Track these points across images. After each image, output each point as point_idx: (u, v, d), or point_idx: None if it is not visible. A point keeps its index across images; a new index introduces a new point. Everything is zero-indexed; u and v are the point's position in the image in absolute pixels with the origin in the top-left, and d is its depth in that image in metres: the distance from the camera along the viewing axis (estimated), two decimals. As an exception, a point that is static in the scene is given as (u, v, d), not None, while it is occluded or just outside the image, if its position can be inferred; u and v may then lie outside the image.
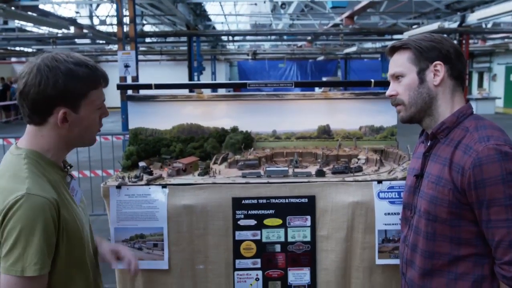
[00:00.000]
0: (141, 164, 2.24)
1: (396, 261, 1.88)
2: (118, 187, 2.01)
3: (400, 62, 1.56)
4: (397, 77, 1.58)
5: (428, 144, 1.59)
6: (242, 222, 2.03)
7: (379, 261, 1.99)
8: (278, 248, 2.04)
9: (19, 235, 1.25)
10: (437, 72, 1.51)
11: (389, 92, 1.61)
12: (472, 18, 11.89)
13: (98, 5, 14.55)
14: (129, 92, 2.55)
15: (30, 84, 1.33)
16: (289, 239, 2.04)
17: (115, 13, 10.06)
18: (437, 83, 1.51)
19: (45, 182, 1.35)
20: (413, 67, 1.53)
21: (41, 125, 1.39)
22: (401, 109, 1.59)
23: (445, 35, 1.60)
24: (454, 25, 13.32)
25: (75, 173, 5.66)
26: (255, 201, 2.03)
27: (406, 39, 1.57)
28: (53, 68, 1.33)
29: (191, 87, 2.73)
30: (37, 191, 1.28)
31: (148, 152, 2.35)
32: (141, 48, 18.84)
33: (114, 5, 8.76)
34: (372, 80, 2.30)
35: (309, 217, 2.03)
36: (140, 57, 15.65)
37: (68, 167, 1.52)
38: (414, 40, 1.54)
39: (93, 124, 1.46)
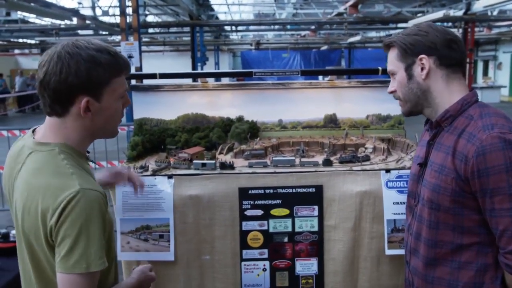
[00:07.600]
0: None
1: (406, 251, 1.86)
2: (124, 177, 2.00)
3: (390, 60, 1.59)
4: (392, 74, 1.61)
5: (433, 132, 1.57)
6: (248, 213, 2.01)
7: (388, 251, 1.97)
8: (285, 238, 2.03)
9: (80, 232, 1.20)
10: (423, 66, 1.51)
11: (389, 88, 1.65)
12: (478, 5, 11.76)
13: (100, -4, 14.49)
14: (133, 82, 2.52)
15: (51, 73, 1.25)
16: (297, 229, 2.02)
17: (117, 4, 10.01)
18: (424, 77, 1.51)
19: (87, 175, 1.32)
20: (400, 64, 1.55)
21: (63, 116, 1.31)
22: (400, 104, 1.64)
23: (437, 24, 1.58)
24: (460, 13, 13.18)
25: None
26: (261, 191, 2.01)
27: (393, 36, 1.59)
28: (75, 55, 1.26)
29: (196, 76, 2.69)
30: (88, 186, 1.25)
31: (153, 143, 2.33)
32: (144, 39, 18.78)
33: (117, -5, 8.71)
34: (380, 68, 2.26)
35: (316, 207, 2.01)
36: (143, 48, 15.61)
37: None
38: (400, 36, 1.55)
39: (116, 114, 1.39)
